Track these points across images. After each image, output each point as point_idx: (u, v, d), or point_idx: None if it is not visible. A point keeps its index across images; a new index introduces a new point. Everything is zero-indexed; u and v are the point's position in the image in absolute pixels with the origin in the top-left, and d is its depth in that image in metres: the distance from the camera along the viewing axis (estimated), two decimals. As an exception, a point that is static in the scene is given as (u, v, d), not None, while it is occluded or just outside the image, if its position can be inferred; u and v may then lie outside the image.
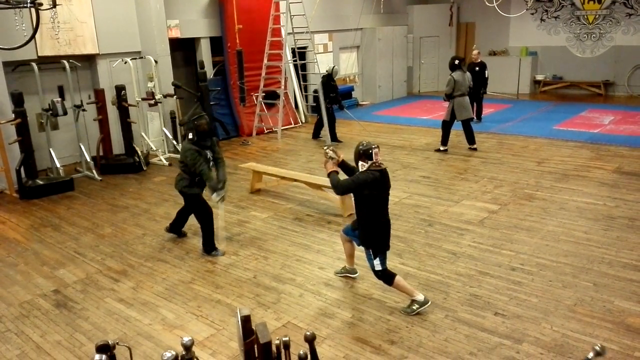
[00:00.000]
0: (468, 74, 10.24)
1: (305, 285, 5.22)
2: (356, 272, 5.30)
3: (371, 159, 4.44)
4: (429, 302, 4.63)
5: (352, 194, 4.65)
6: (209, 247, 6.04)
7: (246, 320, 2.48)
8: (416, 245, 6.02)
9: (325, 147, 4.85)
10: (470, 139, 10.07)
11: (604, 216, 6.60)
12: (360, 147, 4.50)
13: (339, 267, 5.46)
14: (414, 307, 4.58)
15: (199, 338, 4.35)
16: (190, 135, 5.82)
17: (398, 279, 4.64)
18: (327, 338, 4.31)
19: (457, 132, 10.34)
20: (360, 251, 4.91)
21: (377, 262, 4.59)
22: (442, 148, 10.04)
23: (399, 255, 5.74)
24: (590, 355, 2.37)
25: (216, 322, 4.61)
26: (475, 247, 5.90)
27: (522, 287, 4.96)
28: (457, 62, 9.99)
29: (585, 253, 5.61)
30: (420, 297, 4.61)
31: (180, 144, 10.79)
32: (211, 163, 5.96)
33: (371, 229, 4.57)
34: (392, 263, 5.53)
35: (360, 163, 4.50)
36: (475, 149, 9.99)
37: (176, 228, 6.51)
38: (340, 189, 4.60)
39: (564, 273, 5.20)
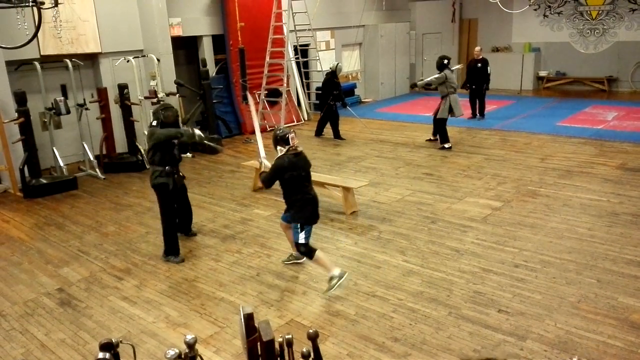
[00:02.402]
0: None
1: (308, 282, 5.23)
2: (302, 257, 5.39)
3: (288, 143, 4.82)
4: (346, 273, 4.91)
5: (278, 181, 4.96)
6: (167, 249, 5.83)
7: (249, 318, 2.48)
8: (419, 242, 6.01)
9: (260, 159, 5.45)
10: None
11: (608, 212, 6.58)
12: (278, 132, 4.90)
13: (292, 254, 5.61)
14: (334, 282, 4.81)
15: (203, 336, 4.36)
16: (155, 123, 5.88)
17: (318, 253, 4.94)
18: (331, 336, 4.31)
19: (460, 129, 10.33)
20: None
21: (302, 236, 4.91)
22: (447, 145, 10.02)
23: (402, 253, 5.74)
24: None
25: (219, 320, 4.62)
26: (479, 244, 5.89)
27: (525, 284, 4.95)
28: (445, 61, 10.09)
29: (589, 250, 5.60)
30: (336, 271, 4.85)
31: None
32: (176, 150, 5.83)
33: (297, 205, 4.94)
34: (395, 260, 5.54)
35: (278, 148, 4.89)
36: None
37: (184, 227, 6.43)
38: (265, 181, 4.98)
39: (567, 270, 5.19)
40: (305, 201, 4.95)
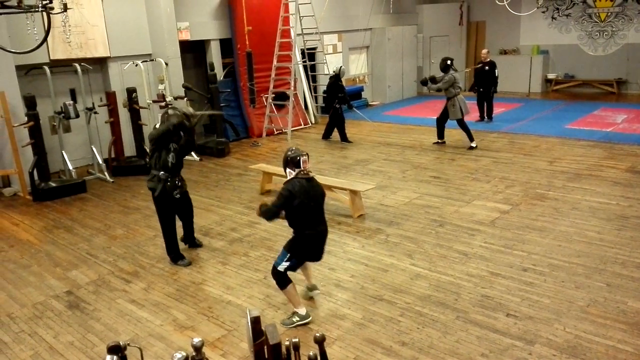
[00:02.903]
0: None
1: (309, 313, 5.20)
2: (317, 288, 4.96)
3: (299, 166, 4.35)
4: (310, 318, 4.52)
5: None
6: (171, 254, 5.86)
7: (256, 322, 2.48)
8: (427, 246, 5.99)
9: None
10: (441, 134, 10.60)
11: (617, 216, 6.53)
12: (289, 153, 4.41)
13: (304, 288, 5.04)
14: (294, 320, 4.50)
15: (210, 339, 4.36)
16: (158, 125, 5.78)
17: (291, 287, 4.50)
18: (338, 339, 4.30)
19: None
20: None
21: (284, 265, 4.45)
22: (473, 145, 10.14)
23: (410, 256, 5.72)
24: None
25: (227, 323, 4.62)
26: (487, 247, 5.86)
27: (534, 288, 4.92)
28: (449, 62, 10.18)
29: (598, 253, 5.55)
30: (302, 310, 4.51)
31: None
32: (171, 155, 5.59)
33: (301, 238, 4.46)
34: (402, 264, 5.53)
35: (287, 170, 4.42)
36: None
37: (186, 238, 6.31)
38: (270, 212, 4.41)
39: (576, 274, 5.15)
40: (311, 237, 4.45)
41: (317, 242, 4.53)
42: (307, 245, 4.49)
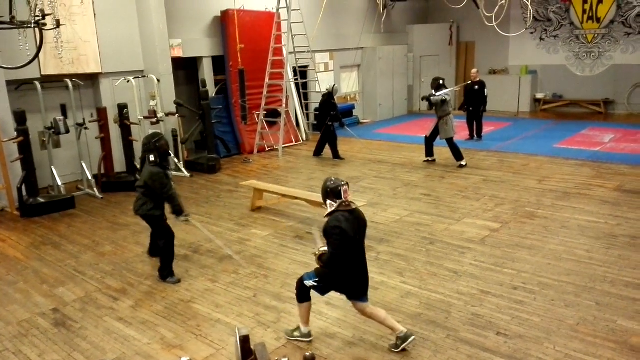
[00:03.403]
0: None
1: (312, 334, 5.16)
2: (310, 338, 4.56)
3: (340, 197, 4.13)
4: (310, 339, 4.47)
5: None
6: (167, 272, 5.83)
7: (245, 341, 2.46)
8: (417, 263, 5.99)
9: (314, 230, 4.49)
10: (430, 152, 10.68)
11: (606, 234, 6.57)
12: (329, 183, 4.20)
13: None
14: (295, 334, 4.50)
15: (198, 358, 4.31)
16: (152, 158, 5.64)
17: (307, 304, 4.42)
18: (328, 358, 4.26)
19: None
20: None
21: (311, 282, 4.30)
22: (463, 163, 10.19)
23: (400, 274, 5.71)
24: None
25: (216, 342, 4.57)
26: (477, 265, 5.86)
27: (524, 307, 4.92)
28: (441, 82, 10.28)
29: (587, 272, 5.57)
30: (306, 329, 4.48)
31: (181, 162, 10.83)
32: (171, 183, 5.82)
33: (342, 275, 4.20)
34: (393, 282, 5.51)
35: (328, 202, 4.20)
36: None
37: (157, 251, 6.30)
38: (334, 259, 4.12)
39: (566, 292, 5.16)
40: (353, 273, 4.19)
41: (358, 276, 4.26)
42: (343, 279, 4.24)
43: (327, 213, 4.22)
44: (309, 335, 4.51)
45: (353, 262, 4.20)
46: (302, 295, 4.41)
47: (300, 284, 4.41)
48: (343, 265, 4.15)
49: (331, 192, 4.16)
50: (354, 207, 4.23)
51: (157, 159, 5.66)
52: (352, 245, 4.14)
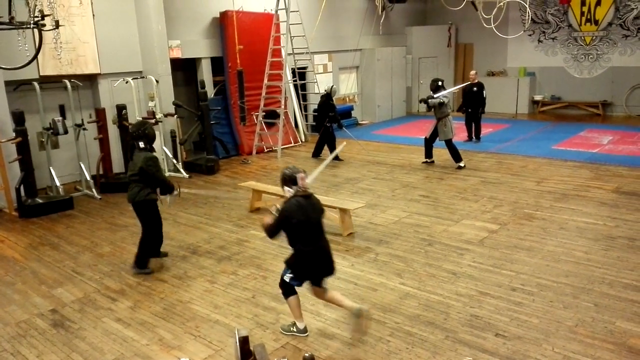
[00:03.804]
0: None
1: (304, 305, 5.16)
2: (306, 333, 4.64)
3: (296, 184, 4.37)
4: (306, 334, 4.58)
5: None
6: (143, 262, 6.00)
7: (244, 341, 2.46)
8: (416, 265, 5.99)
9: (272, 206, 4.70)
10: (429, 154, 10.69)
11: (604, 236, 6.58)
12: (286, 171, 4.43)
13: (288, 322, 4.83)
14: (292, 329, 4.60)
15: (197, 359, 4.30)
16: (142, 144, 5.88)
17: (293, 298, 4.55)
18: (327, 359, 4.26)
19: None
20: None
21: (288, 276, 4.48)
22: (462, 164, 10.19)
23: (399, 275, 5.72)
24: None
25: (214, 343, 4.56)
26: (476, 267, 5.87)
27: (522, 308, 4.92)
28: (440, 83, 10.28)
29: (585, 273, 5.58)
30: (301, 325, 4.58)
31: (180, 162, 10.83)
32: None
33: (303, 257, 4.44)
34: (391, 283, 5.52)
35: (285, 188, 4.43)
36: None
37: (155, 252, 6.37)
38: (271, 229, 4.45)
39: (564, 293, 5.17)
40: (311, 253, 4.43)
41: (318, 258, 4.49)
42: (307, 262, 4.44)
43: (285, 199, 4.46)
44: (304, 330, 4.60)
45: (311, 242, 4.43)
46: (287, 290, 4.57)
47: (282, 281, 4.59)
48: (303, 246, 4.42)
49: (289, 179, 4.40)
50: (309, 192, 4.46)
51: (146, 145, 5.88)
52: (306, 228, 4.39)
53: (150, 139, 5.91)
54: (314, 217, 4.44)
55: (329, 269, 4.58)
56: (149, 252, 6.06)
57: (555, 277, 5.51)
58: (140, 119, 10.23)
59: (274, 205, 4.61)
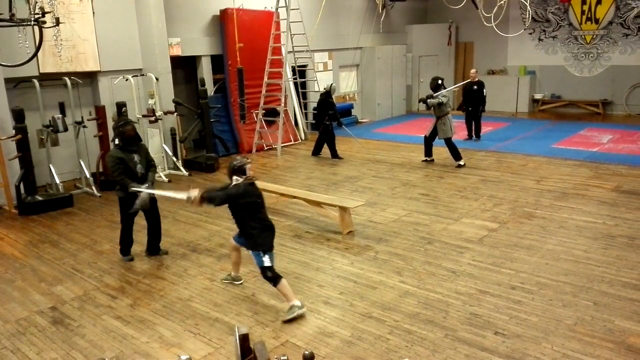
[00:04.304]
0: None
1: (304, 303, 5.18)
2: (240, 280, 5.58)
3: (245, 174, 4.88)
4: (305, 308, 4.89)
5: (227, 206, 4.99)
6: (122, 250, 6.40)
7: (244, 339, 2.46)
8: (415, 263, 5.99)
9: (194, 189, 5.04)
10: (429, 152, 10.67)
11: (604, 235, 6.59)
12: (235, 162, 4.93)
13: (231, 274, 5.66)
14: (295, 311, 4.82)
15: (197, 357, 4.31)
16: (117, 141, 6.01)
17: (283, 281, 4.90)
18: (326, 357, 4.27)
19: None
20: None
21: (266, 259, 4.85)
22: (462, 163, 10.19)
23: (399, 274, 5.72)
24: None
25: (214, 341, 4.57)
26: (475, 265, 5.88)
27: (522, 306, 4.93)
28: (440, 82, 10.27)
29: (585, 272, 5.59)
30: (297, 302, 4.87)
31: (180, 161, 10.83)
32: (139, 166, 6.02)
33: (255, 233, 4.89)
34: (391, 281, 5.52)
35: (234, 177, 4.89)
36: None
37: (155, 250, 6.52)
38: (217, 200, 4.89)
39: (564, 292, 5.17)
40: (264, 228, 4.92)
41: (270, 231, 4.98)
42: (264, 236, 4.90)
43: (236, 184, 4.88)
44: (302, 305, 4.88)
45: (259, 220, 4.93)
46: (274, 276, 4.89)
47: (264, 271, 4.89)
48: (255, 224, 4.90)
49: (238, 169, 4.90)
50: (255, 179, 5.03)
51: (120, 142, 5.99)
52: (254, 206, 4.92)
53: (125, 137, 5.97)
54: (260, 199, 5.01)
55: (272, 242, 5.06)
56: (125, 241, 6.35)
57: (555, 276, 5.52)
58: (140, 116, 10.26)
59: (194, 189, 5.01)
